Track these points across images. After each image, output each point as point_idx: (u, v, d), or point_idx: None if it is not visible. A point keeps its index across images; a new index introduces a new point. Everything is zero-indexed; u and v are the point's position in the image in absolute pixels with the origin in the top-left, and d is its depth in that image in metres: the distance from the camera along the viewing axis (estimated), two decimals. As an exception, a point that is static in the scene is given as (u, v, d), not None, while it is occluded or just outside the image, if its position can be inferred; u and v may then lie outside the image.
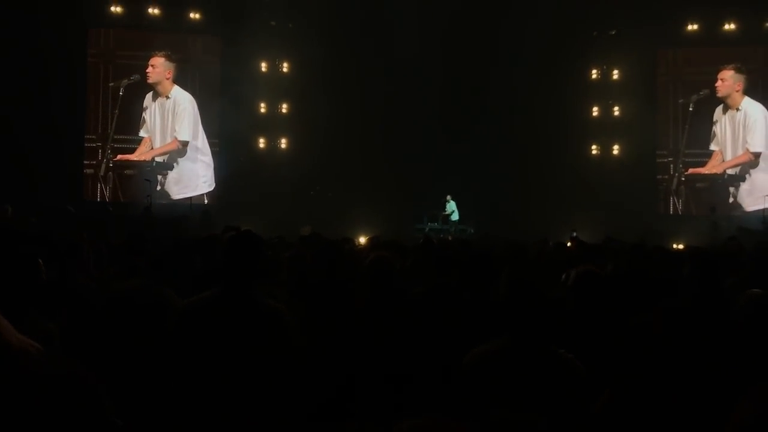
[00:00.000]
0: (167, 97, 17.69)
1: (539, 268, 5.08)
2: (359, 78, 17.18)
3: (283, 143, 18.38)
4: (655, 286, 3.93)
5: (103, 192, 17.37)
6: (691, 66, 18.14)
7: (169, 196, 17.47)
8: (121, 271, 4.53)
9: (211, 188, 17.91)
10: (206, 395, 2.70)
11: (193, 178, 17.82)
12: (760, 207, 16.34)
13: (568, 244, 8.01)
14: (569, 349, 2.63)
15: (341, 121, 17.26)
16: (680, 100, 18.13)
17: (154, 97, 17.66)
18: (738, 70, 17.44)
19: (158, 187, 17.08)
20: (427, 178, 17.56)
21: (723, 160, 17.70)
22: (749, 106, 17.50)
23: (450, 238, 14.85)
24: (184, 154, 17.78)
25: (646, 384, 2.59)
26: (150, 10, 17.19)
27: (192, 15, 17.44)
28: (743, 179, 17.44)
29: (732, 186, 17.49)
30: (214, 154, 17.99)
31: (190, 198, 17.00)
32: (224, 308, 2.84)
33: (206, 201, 17.51)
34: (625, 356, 2.87)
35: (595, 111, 18.43)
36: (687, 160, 18.05)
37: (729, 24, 17.28)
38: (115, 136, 17.52)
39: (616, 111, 18.19)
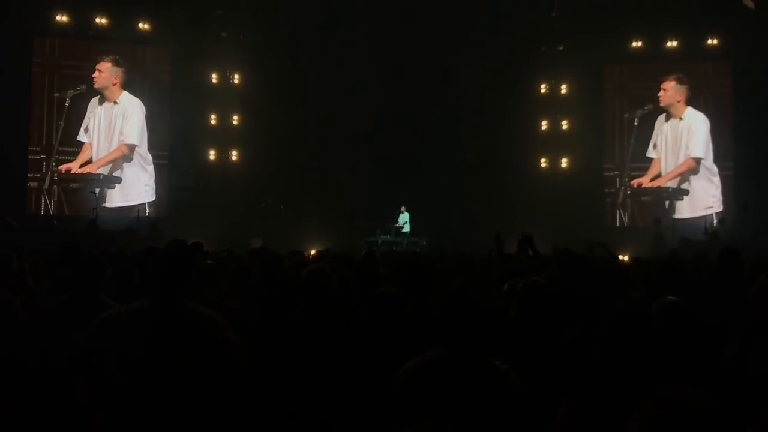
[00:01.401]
0: (115, 103, 17.34)
1: (481, 279, 5.14)
2: (311, 91, 17.17)
3: (234, 155, 18.20)
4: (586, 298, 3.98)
5: (47, 205, 16.87)
6: (636, 81, 18.65)
7: (112, 202, 17.05)
8: (54, 285, 4.41)
9: (153, 198, 17.49)
10: (132, 407, 2.63)
11: (137, 185, 17.43)
12: (701, 214, 16.88)
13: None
14: (510, 360, 2.65)
15: (293, 133, 17.22)
16: (625, 115, 18.60)
17: (101, 102, 17.27)
18: (679, 81, 18.00)
19: (104, 201, 16.71)
20: (379, 191, 17.60)
21: (661, 168, 18.20)
22: (692, 115, 18.06)
23: (395, 249, 14.86)
24: (131, 160, 17.42)
25: (605, 391, 2.61)
26: (97, 20, 16.86)
27: (141, 25, 17.15)
28: (687, 192, 17.94)
29: (677, 199, 17.97)
30: (161, 165, 17.64)
31: (137, 210, 16.66)
32: (151, 318, 2.78)
33: (147, 211, 17.01)
34: (570, 366, 2.91)
35: (544, 125, 18.75)
36: (632, 173, 18.48)
37: (672, 41, 17.84)
38: (60, 148, 17.05)
39: (565, 125, 18.53)
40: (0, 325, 3.48)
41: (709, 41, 17.55)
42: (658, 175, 18.24)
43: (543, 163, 18.74)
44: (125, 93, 17.43)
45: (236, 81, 18.17)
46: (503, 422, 2.47)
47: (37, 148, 16.97)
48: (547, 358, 3.04)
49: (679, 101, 18.09)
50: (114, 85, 17.28)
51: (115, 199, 17.20)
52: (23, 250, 6.47)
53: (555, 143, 18.64)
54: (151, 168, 17.60)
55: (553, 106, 18.68)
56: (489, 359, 2.58)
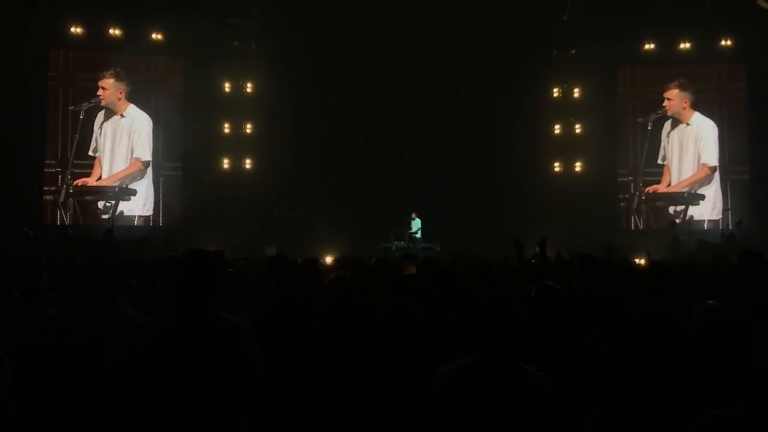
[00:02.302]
0: (122, 116, 17.42)
1: (505, 286, 5.11)
2: (323, 98, 17.22)
3: (248, 163, 18.26)
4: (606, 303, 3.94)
5: (63, 218, 16.90)
6: (649, 85, 18.54)
7: (125, 214, 17.12)
8: (73, 294, 4.43)
9: (150, 213, 17.52)
10: (162, 417, 2.64)
11: (148, 198, 17.54)
12: (717, 218, 16.76)
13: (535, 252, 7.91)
14: (532, 365, 2.64)
15: (307, 140, 17.29)
16: (639, 119, 18.49)
17: (107, 116, 17.35)
18: (682, 87, 17.91)
19: (118, 213, 16.81)
20: (393, 197, 17.60)
21: (671, 177, 18.06)
22: (699, 120, 17.96)
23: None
24: (145, 175, 17.53)
25: (635, 396, 2.59)
26: (111, 31, 17.01)
27: (154, 36, 17.28)
28: (702, 197, 17.81)
29: (692, 204, 17.85)
30: (175, 175, 17.74)
31: (152, 220, 16.73)
32: (179, 327, 2.78)
33: (161, 223, 17.19)
34: (595, 370, 2.89)
35: (557, 129, 18.69)
36: (646, 178, 18.38)
37: (685, 43, 17.74)
38: (75, 161, 17.14)
39: (578, 129, 18.46)
40: (39, 336, 3.49)
41: (723, 43, 17.47)
42: (670, 184, 18.16)
43: (557, 167, 18.67)
44: (131, 106, 17.50)
45: (249, 89, 18.25)
46: (537, 428, 2.46)
47: (53, 161, 17.05)
48: (566, 362, 3.02)
49: (684, 108, 18.00)
50: (119, 99, 17.35)
51: (129, 210, 17.27)
52: (41, 260, 6.51)
53: (568, 147, 18.56)
54: (154, 180, 17.68)
55: (566, 109, 18.61)
56: (522, 365, 2.57)
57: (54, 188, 16.99)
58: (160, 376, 2.68)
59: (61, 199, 16.96)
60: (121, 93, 17.33)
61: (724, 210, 17.32)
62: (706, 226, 17.43)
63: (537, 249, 6.20)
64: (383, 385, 3.06)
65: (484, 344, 2.56)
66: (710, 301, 3.02)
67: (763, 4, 15.75)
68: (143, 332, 2.85)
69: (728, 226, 16.51)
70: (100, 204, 17.09)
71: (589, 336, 3.53)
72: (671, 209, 17.96)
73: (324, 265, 8.60)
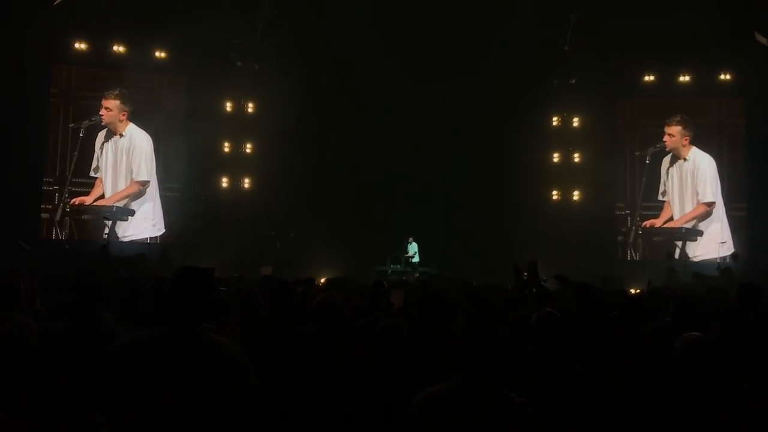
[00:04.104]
0: (121, 135, 17.37)
1: (495, 311, 5.09)
2: (323, 120, 17.29)
3: (247, 183, 18.28)
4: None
5: (58, 236, 16.76)
6: (648, 118, 18.61)
7: (123, 235, 16.97)
8: (58, 308, 4.39)
9: (161, 232, 17.43)
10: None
11: (146, 219, 17.37)
12: (714, 256, 16.69)
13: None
14: (527, 392, 2.61)
15: (305, 162, 17.36)
16: (637, 153, 18.52)
17: (108, 137, 17.31)
18: (684, 124, 17.91)
19: (116, 233, 16.72)
20: (390, 221, 17.61)
21: (673, 212, 18.04)
22: (697, 156, 17.95)
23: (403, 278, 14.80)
24: (143, 195, 17.46)
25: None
26: (115, 48, 17.11)
27: (157, 54, 17.37)
28: (700, 234, 17.73)
29: (690, 240, 17.79)
30: (173, 194, 17.71)
31: (148, 238, 16.68)
32: (166, 346, 2.74)
33: (158, 239, 17.13)
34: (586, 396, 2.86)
35: (556, 157, 18.74)
36: (644, 213, 18.34)
37: (684, 76, 17.85)
38: (73, 179, 17.06)
39: (576, 157, 18.52)
40: (19, 348, 3.44)
41: (722, 77, 17.58)
42: (670, 219, 18.12)
43: (555, 195, 18.69)
44: (131, 125, 17.44)
45: (250, 109, 18.33)
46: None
47: (50, 179, 16.95)
48: (562, 388, 3.00)
49: (684, 144, 18.03)
50: (121, 121, 17.32)
51: (127, 231, 17.09)
52: (36, 272, 6.48)
53: (567, 175, 18.60)
54: (158, 201, 17.59)
55: (565, 138, 18.68)
56: (503, 391, 2.54)
57: (51, 206, 16.87)
58: (142, 392, 2.64)
59: (57, 217, 16.81)
60: (123, 115, 17.29)
61: (721, 243, 17.24)
62: (701, 256, 17.35)
63: (525, 274, 6.17)
64: (366, 405, 3.03)
65: (465, 368, 2.54)
66: (693, 333, 3.00)
67: (762, 40, 15.91)
68: (129, 347, 2.80)
69: (725, 259, 16.47)
70: (106, 223, 16.84)
71: (583, 362, 3.51)
72: (674, 246, 17.83)
73: (318, 285, 8.58)
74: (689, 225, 17.92)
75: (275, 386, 3.14)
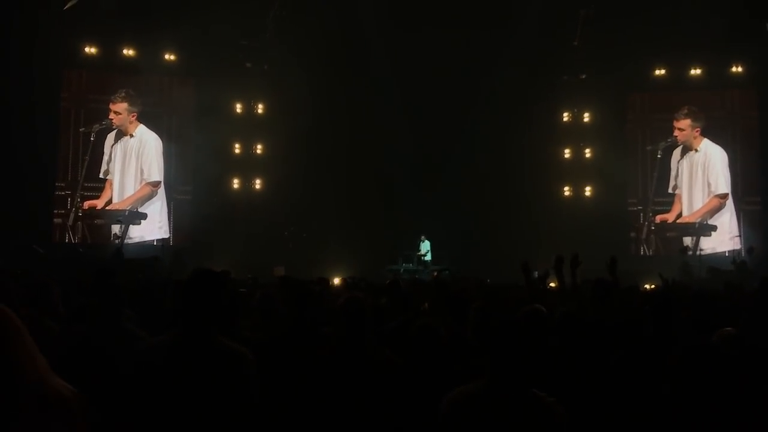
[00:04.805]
0: (131, 136, 17.40)
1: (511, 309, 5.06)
2: (334, 120, 17.29)
3: (258, 184, 18.31)
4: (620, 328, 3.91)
5: (71, 240, 16.78)
6: (659, 112, 18.46)
7: (135, 236, 17.00)
8: (79, 311, 4.40)
9: (167, 235, 17.45)
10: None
11: (150, 222, 17.34)
12: (728, 248, 16.56)
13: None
14: (553, 391, 2.59)
15: (316, 162, 17.37)
16: (648, 147, 18.40)
17: (117, 138, 17.33)
18: (694, 117, 17.75)
19: (128, 236, 16.77)
20: (402, 219, 17.59)
21: (683, 205, 17.91)
22: (708, 147, 17.80)
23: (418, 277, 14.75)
24: (155, 195, 17.49)
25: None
26: (125, 51, 17.14)
27: (167, 56, 17.41)
28: (714, 228, 17.57)
29: (704, 234, 17.66)
30: (185, 195, 17.76)
31: (161, 241, 16.74)
32: (180, 351, 2.73)
33: (171, 241, 17.20)
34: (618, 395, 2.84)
35: (567, 153, 18.66)
36: (656, 208, 18.22)
37: (696, 69, 17.69)
38: (85, 184, 17.09)
39: (588, 153, 18.44)
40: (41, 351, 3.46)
41: (734, 69, 17.40)
42: (681, 213, 18.01)
43: (566, 191, 18.62)
44: (141, 126, 17.47)
45: (260, 110, 18.36)
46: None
47: (62, 184, 16.97)
48: (591, 387, 2.98)
49: (695, 137, 17.89)
50: (131, 123, 17.35)
51: (134, 233, 17.09)
52: (52, 277, 6.51)
53: (578, 171, 18.52)
54: (165, 203, 17.59)
55: (576, 134, 18.61)
56: (533, 390, 2.52)
57: (63, 211, 16.90)
58: (156, 398, 2.65)
59: (70, 222, 16.84)
60: (133, 116, 17.33)
61: (732, 236, 17.08)
62: (716, 250, 17.23)
63: (550, 270, 6.09)
64: (393, 407, 3.02)
65: (495, 368, 2.52)
66: (728, 329, 2.97)
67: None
68: (149, 352, 2.83)
69: (740, 253, 16.35)
70: (114, 228, 16.91)
71: (611, 360, 3.49)
72: (686, 240, 17.72)
73: (333, 286, 8.57)
74: (702, 219, 17.78)
75: (304, 387, 3.13)
